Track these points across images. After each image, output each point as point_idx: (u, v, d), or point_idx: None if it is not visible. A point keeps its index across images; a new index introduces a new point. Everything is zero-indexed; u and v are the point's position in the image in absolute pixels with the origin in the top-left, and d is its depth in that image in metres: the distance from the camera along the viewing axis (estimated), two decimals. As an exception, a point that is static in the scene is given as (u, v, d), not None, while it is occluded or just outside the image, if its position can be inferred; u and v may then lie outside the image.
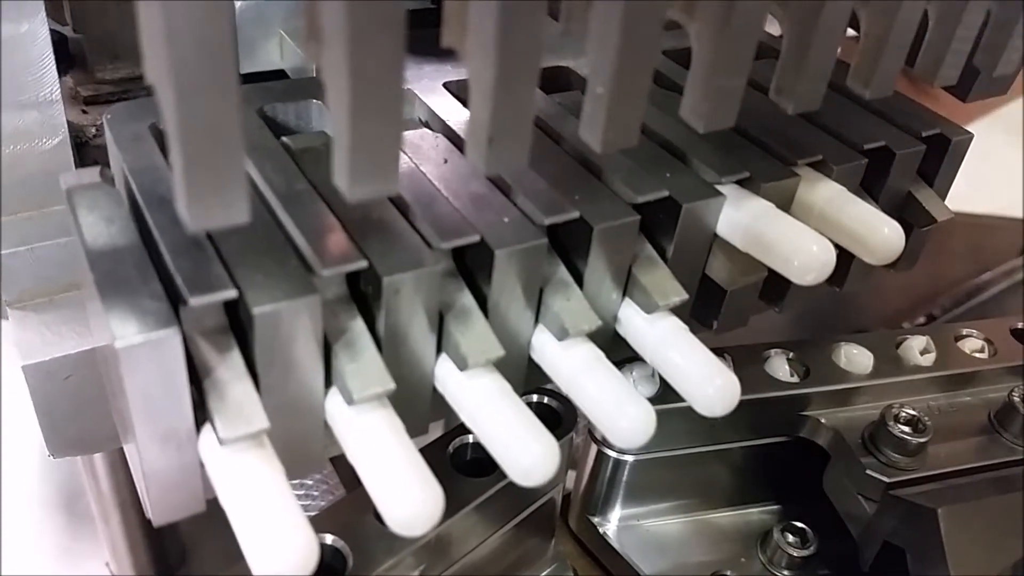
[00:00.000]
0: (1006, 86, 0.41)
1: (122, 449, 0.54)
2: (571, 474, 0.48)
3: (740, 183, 0.34)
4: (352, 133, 0.22)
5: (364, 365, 0.27)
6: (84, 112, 0.43)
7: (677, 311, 0.33)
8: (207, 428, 0.26)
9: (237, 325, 0.26)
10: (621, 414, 0.29)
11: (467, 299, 0.30)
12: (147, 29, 0.19)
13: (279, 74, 0.43)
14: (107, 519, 0.60)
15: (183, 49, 0.19)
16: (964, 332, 0.49)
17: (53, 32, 0.35)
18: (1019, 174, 1.04)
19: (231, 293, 0.25)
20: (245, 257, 0.26)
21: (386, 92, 0.21)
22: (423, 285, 0.28)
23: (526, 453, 0.27)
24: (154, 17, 0.19)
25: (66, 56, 0.45)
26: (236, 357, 0.26)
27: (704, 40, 0.27)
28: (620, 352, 0.34)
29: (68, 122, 0.36)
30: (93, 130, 0.42)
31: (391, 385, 0.27)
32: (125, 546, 0.62)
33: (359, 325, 0.28)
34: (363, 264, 0.27)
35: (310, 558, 0.24)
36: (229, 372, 0.25)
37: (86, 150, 0.42)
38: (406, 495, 0.25)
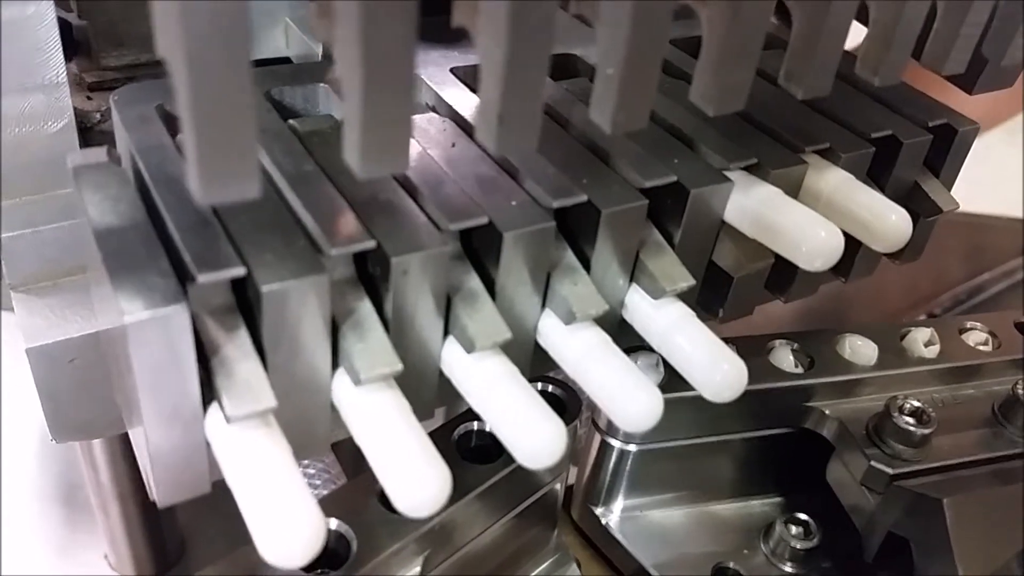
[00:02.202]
0: (1013, 78, 0.41)
1: (122, 439, 0.54)
2: (573, 465, 0.48)
3: (748, 170, 0.34)
4: (363, 108, 0.21)
5: (371, 345, 0.27)
6: (88, 98, 0.43)
7: (683, 299, 0.33)
8: (214, 407, 0.26)
9: (245, 304, 0.26)
10: (629, 398, 0.29)
11: (475, 282, 0.29)
12: (160, 3, 0.19)
13: (285, 62, 0.43)
14: (106, 511, 0.60)
15: (196, 22, 0.19)
16: (968, 325, 0.49)
17: (58, 18, 0.35)
18: (1019, 174, 1.04)
19: (240, 270, 0.25)
20: (253, 236, 0.26)
21: (398, 67, 0.21)
22: (431, 267, 0.28)
23: (534, 434, 0.27)
24: (167, -11, 0.18)
25: (71, 42, 0.45)
26: (243, 335, 0.26)
27: (715, 24, 0.27)
28: (626, 341, 0.33)
29: (73, 108, 0.36)
30: (98, 116, 0.42)
31: (398, 366, 0.27)
32: (124, 538, 0.62)
33: (367, 306, 0.28)
34: (371, 244, 0.27)
35: (317, 537, 0.24)
36: (236, 350, 0.25)
37: (91, 136, 0.42)
38: (414, 476, 0.25)
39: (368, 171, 0.23)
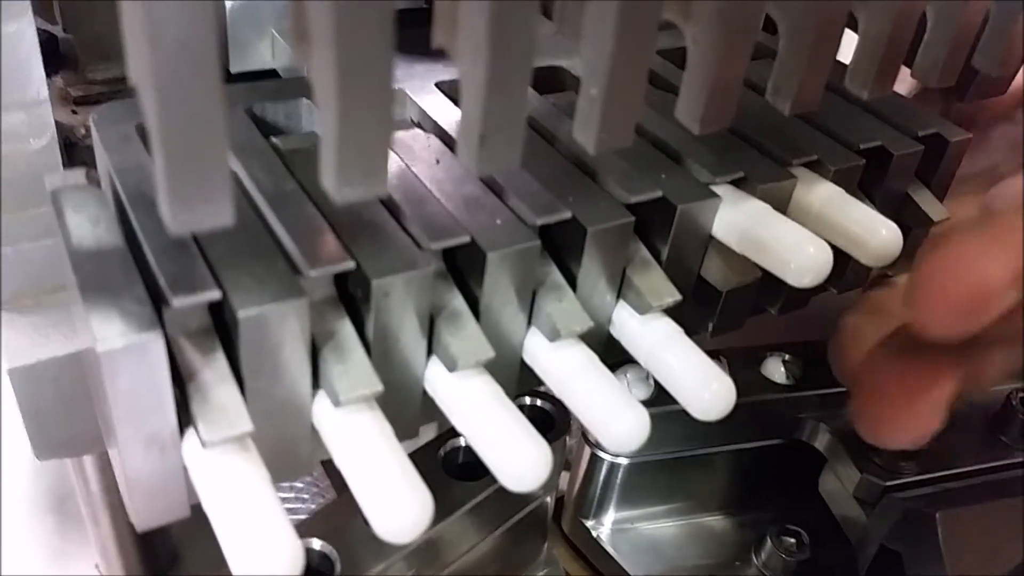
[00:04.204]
0: (1004, 87, 0.41)
1: (110, 456, 0.54)
2: (564, 476, 0.48)
3: (736, 184, 0.34)
4: (340, 134, 0.21)
5: (352, 367, 0.26)
6: (74, 112, 0.43)
7: (672, 315, 0.32)
8: (191, 432, 0.25)
9: (223, 328, 0.26)
10: (614, 418, 0.29)
11: (458, 301, 0.29)
12: (129, 28, 0.19)
13: (271, 74, 0.43)
14: (97, 520, 0.59)
15: (165, 48, 0.18)
16: (961, 334, 0.49)
17: (43, 32, 0.34)
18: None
19: (215, 294, 0.24)
20: (231, 259, 0.26)
21: (375, 92, 0.21)
22: (413, 288, 0.27)
23: (517, 458, 0.27)
24: (136, 16, 0.18)
25: (56, 56, 0.44)
26: (220, 359, 0.25)
27: (700, 42, 0.26)
28: (615, 356, 0.33)
29: (57, 123, 0.36)
30: (83, 130, 0.42)
31: (379, 387, 0.26)
32: (115, 547, 0.61)
33: (347, 327, 0.27)
34: (351, 265, 0.26)
35: (294, 564, 0.24)
36: (213, 375, 0.25)
37: (75, 151, 0.41)
38: (394, 501, 0.25)
39: (345, 196, 0.22)
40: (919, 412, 0.32)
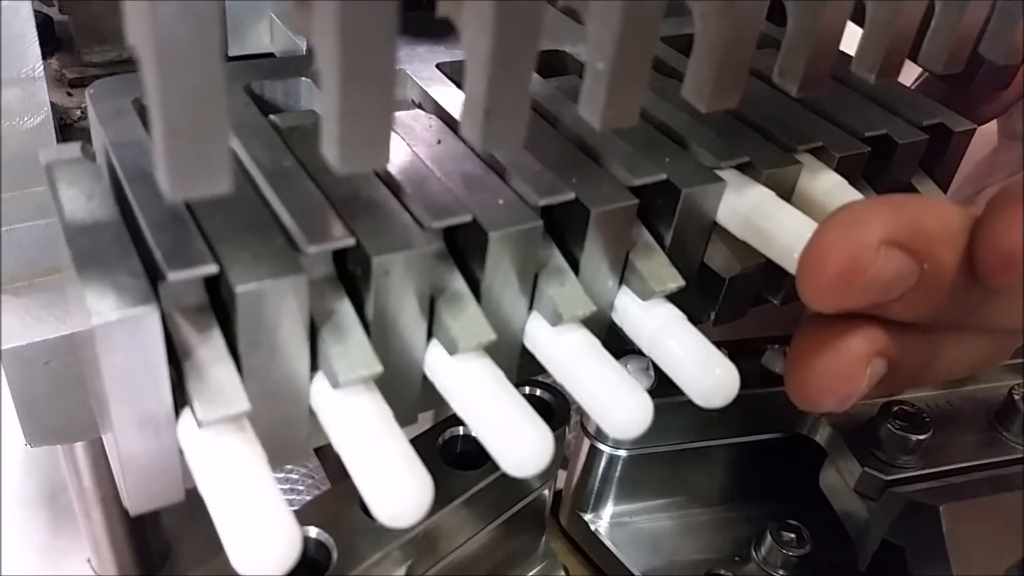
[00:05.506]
0: (1010, 77, 0.41)
1: (103, 441, 0.53)
2: (562, 472, 0.47)
3: (741, 169, 0.33)
4: (343, 100, 0.21)
5: (351, 347, 0.26)
6: (69, 95, 0.43)
7: (674, 303, 0.32)
8: (186, 412, 0.25)
9: (220, 305, 0.25)
10: (616, 404, 0.28)
11: (459, 282, 0.29)
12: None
13: (269, 58, 0.42)
14: (89, 515, 0.59)
15: (165, 7, 0.18)
16: (964, 329, 0.49)
17: (39, 13, 0.34)
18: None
19: (212, 268, 0.24)
20: (229, 234, 0.25)
21: (379, 57, 0.20)
22: (414, 267, 0.27)
23: (519, 443, 0.26)
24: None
25: (52, 38, 0.44)
26: (217, 337, 0.25)
27: (709, 18, 0.26)
28: (615, 347, 0.33)
29: (53, 104, 0.35)
30: (78, 112, 0.42)
31: (378, 368, 0.26)
32: (107, 542, 0.61)
33: (346, 307, 0.27)
34: (351, 242, 0.26)
35: (291, 548, 0.23)
36: (209, 352, 0.24)
37: (70, 132, 0.41)
38: (393, 483, 0.24)
39: (347, 166, 0.22)
40: (832, 368, 0.30)
